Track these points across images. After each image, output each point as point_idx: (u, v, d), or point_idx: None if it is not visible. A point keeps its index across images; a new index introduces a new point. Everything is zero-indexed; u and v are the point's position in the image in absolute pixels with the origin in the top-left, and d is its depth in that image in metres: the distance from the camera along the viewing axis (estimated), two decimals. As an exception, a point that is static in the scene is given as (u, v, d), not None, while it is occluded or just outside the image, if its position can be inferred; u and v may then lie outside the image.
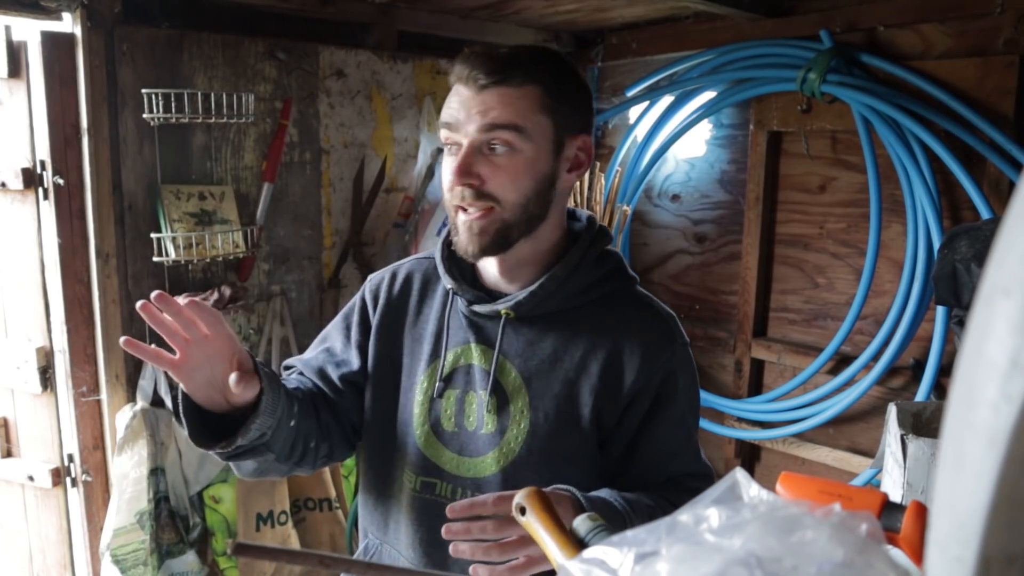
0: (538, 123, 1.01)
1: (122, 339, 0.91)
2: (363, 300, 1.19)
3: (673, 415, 1.06)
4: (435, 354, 1.11)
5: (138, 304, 0.90)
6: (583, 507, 0.89)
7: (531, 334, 1.08)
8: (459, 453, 1.09)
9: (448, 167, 1.03)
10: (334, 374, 1.15)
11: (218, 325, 0.91)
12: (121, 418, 1.80)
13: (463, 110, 1.00)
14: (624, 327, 1.06)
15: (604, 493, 0.98)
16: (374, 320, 1.16)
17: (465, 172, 1.00)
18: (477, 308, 1.09)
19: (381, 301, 1.17)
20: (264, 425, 0.95)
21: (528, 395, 1.06)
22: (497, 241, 1.03)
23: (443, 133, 1.04)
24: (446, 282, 1.11)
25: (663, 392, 1.05)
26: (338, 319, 1.21)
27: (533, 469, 1.05)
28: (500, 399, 1.07)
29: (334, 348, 1.18)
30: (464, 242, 1.04)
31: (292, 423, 1.02)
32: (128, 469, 1.77)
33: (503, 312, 1.07)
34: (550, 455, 1.05)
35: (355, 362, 1.16)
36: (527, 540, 0.82)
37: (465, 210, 1.02)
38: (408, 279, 1.18)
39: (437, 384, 1.10)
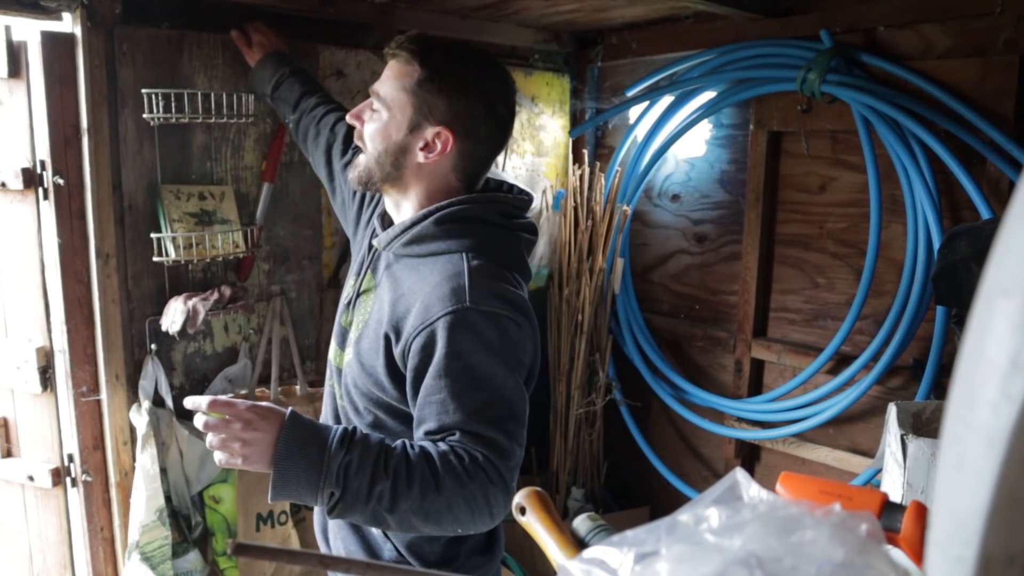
0: (398, 99, 1.23)
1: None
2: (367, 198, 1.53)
3: (441, 366, 1.12)
4: (360, 267, 1.39)
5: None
6: (288, 423, 1.07)
7: (389, 265, 1.30)
8: (339, 346, 1.37)
9: None
10: (338, 148, 1.62)
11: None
12: (137, 416, 1.80)
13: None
14: (429, 283, 1.20)
15: (336, 427, 1.11)
16: (367, 208, 1.51)
17: (354, 114, 1.29)
18: (372, 239, 1.36)
19: (377, 198, 1.47)
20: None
21: (368, 312, 1.29)
22: (361, 179, 1.29)
23: None
24: (374, 219, 1.41)
25: (429, 344, 1.14)
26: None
27: (351, 374, 1.29)
28: (359, 309, 1.33)
29: (354, 157, 1.47)
30: (350, 175, 1.33)
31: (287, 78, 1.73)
32: (148, 466, 1.78)
33: (375, 244, 1.33)
34: (362, 367, 1.26)
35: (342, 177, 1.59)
36: (224, 441, 1.05)
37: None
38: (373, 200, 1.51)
39: (351, 291, 1.38)
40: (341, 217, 1.64)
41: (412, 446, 1.12)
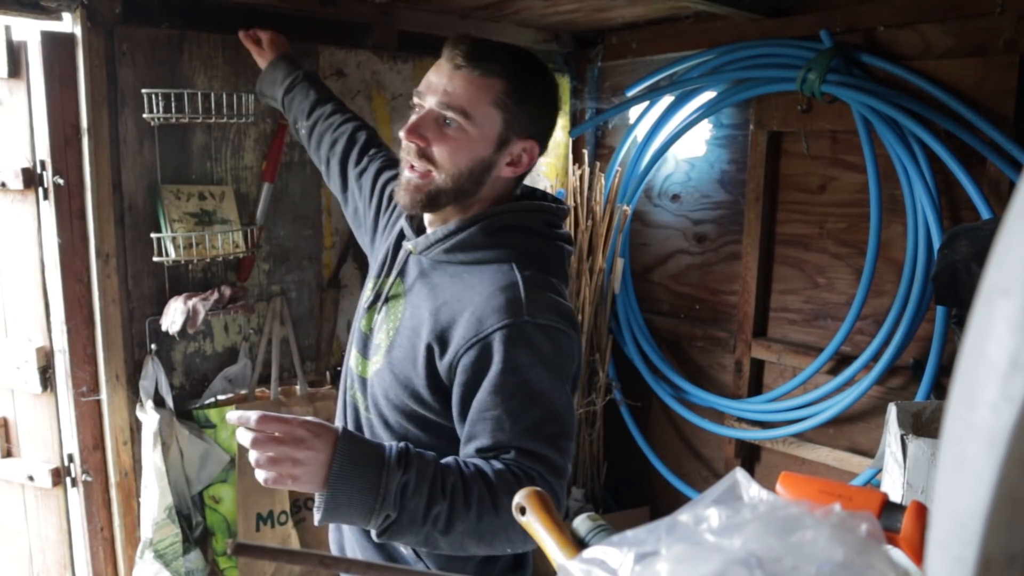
0: (488, 115, 1.14)
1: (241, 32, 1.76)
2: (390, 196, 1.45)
3: (497, 381, 1.07)
4: (380, 271, 1.32)
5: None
6: (343, 442, 1.00)
7: (424, 271, 1.23)
8: (361, 353, 1.29)
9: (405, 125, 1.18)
10: (355, 154, 1.55)
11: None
12: (143, 415, 1.81)
13: (435, 81, 1.15)
14: (479, 293, 1.13)
15: (389, 444, 1.04)
16: (384, 214, 1.44)
17: (414, 131, 1.15)
18: (404, 243, 1.27)
19: (387, 210, 1.43)
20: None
21: (400, 320, 1.22)
22: (425, 202, 1.18)
23: (414, 97, 1.18)
24: (402, 220, 1.31)
25: (484, 357, 1.09)
26: (383, 170, 1.50)
27: (381, 386, 1.21)
28: (388, 316, 1.24)
29: (370, 165, 1.52)
30: (400, 195, 1.20)
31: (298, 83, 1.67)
32: (159, 464, 1.79)
33: (409, 248, 1.25)
34: (395, 378, 1.19)
35: (367, 183, 1.49)
36: (275, 461, 0.97)
37: (412, 168, 1.17)
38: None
39: (371, 296, 1.31)
40: (354, 225, 1.57)
41: (466, 464, 1.06)
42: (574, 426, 1.15)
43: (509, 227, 1.19)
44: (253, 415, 0.97)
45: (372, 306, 1.30)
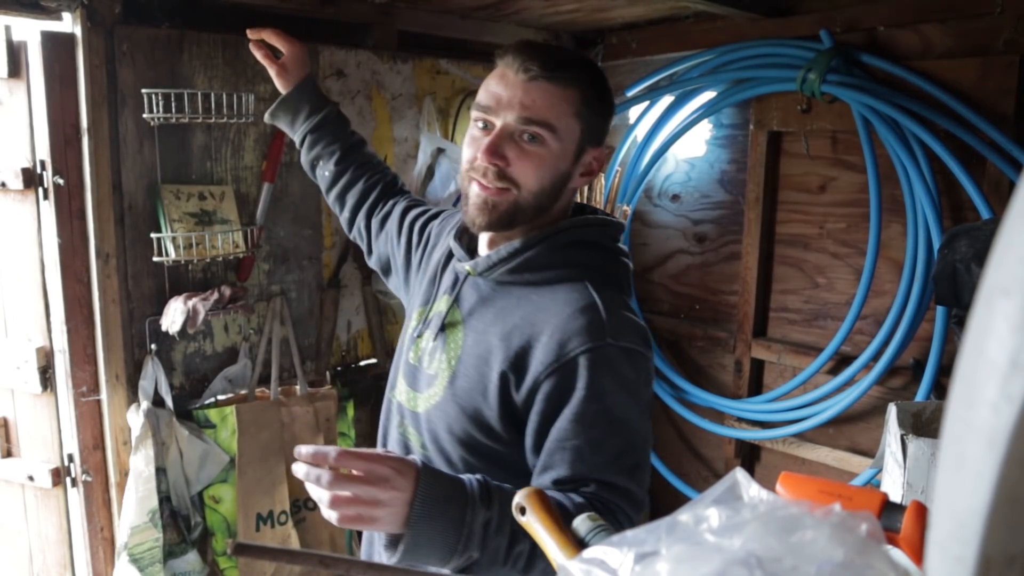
0: (569, 126, 1.07)
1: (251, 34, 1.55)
2: (427, 223, 1.39)
3: (579, 410, 1.02)
4: (427, 298, 1.25)
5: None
6: (425, 477, 0.93)
7: (485, 295, 1.15)
8: (410, 386, 1.21)
9: (475, 142, 1.09)
10: (381, 202, 1.48)
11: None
12: (134, 417, 1.80)
13: (505, 95, 1.06)
14: (555, 314, 1.07)
15: (467, 477, 0.98)
16: (429, 243, 1.36)
17: (493, 152, 1.06)
18: (457, 264, 1.20)
19: (428, 236, 1.36)
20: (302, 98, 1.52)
21: (462, 348, 1.13)
22: (504, 220, 1.10)
23: (477, 112, 1.09)
24: (450, 240, 1.23)
25: (567, 382, 1.03)
26: (409, 209, 1.45)
27: (443, 419, 1.13)
28: (444, 345, 1.16)
29: (393, 208, 1.46)
30: (473, 214, 1.11)
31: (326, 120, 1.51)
32: (142, 467, 1.78)
33: (467, 269, 1.16)
34: (461, 411, 1.11)
35: (393, 226, 1.43)
36: (355, 502, 0.89)
37: (484, 187, 1.09)
38: (452, 224, 1.32)
39: (419, 324, 1.23)
40: (382, 270, 1.49)
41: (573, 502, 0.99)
42: (650, 455, 1.10)
43: (576, 243, 1.13)
44: (332, 451, 0.90)
45: (420, 336, 1.22)
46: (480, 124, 1.09)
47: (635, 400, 1.06)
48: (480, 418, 1.09)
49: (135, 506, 1.77)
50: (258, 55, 1.56)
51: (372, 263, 1.52)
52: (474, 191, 1.10)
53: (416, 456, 1.10)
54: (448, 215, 1.39)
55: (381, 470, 0.90)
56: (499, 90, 1.07)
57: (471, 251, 1.21)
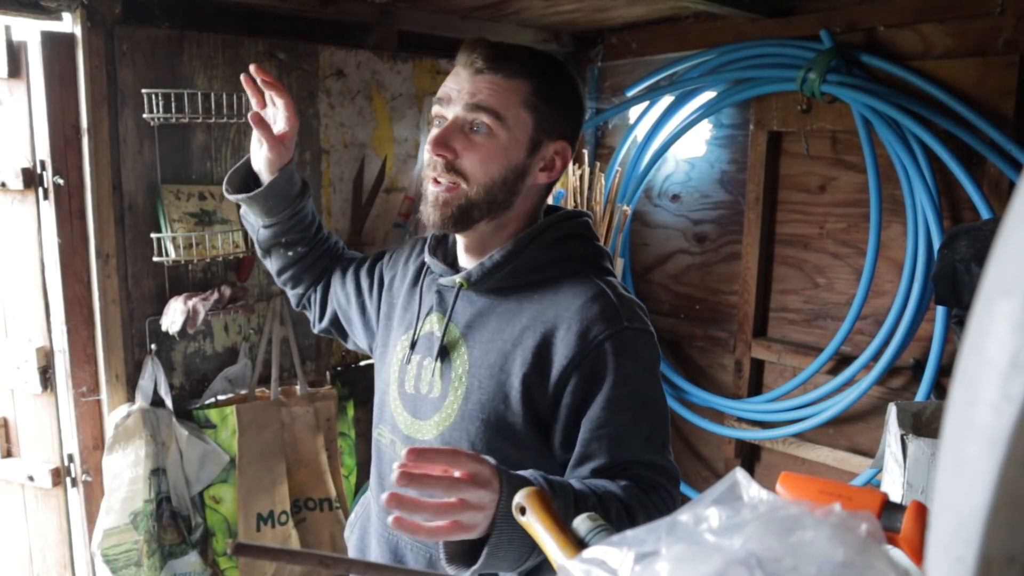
0: (519, 116, 1.07)
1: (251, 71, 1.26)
2: (373, 265, 1.38)
3: (610, 396, 1.02)
4: (409, 324, 1.21)
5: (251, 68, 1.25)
6: (505, 479, 0.86)
7: (482, 305, 1.13)
8: (412, 415, 1.17)
9: (428, 138, 1.10)
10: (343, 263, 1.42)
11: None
12: (111, 418, 1.79)
13: (455, 89, 1.08)
14: (566, 307, 1.07)
15: (530, 473, 0.93)
16: (384, 280, 1.33)
17: (441, 143, 1.07)
18: (441, 280, 1.17)
19: (389, 270, 1.34)
20: (276, 185, 1.29)
21: (468, 363, 1.11)
22: (457, 216, 1.09)
23: (434, 108, 1.11)
24: (425, 256, 1.21)
25: (595, 371, 1.03)
26: (349, 264, 1.43)
27: (464, 437, 1.10)
28: (445, 365, 1.13)
29: (347, 268, 1.42)
30: (428, 212, 1.11)
31: (295, 209, 1.33)
32: (121, 469, 1.76)
33: (458, 282, 1.13)
34: (483, 424, 1.08)
35: (350, 282, 1.39)
36: (467, 505, 0.82)
37: (436, 182, 1.09)
38: (408, 252, 1.33)
39: (407, 352, 1.19)
40: (337, 332, 1.44)
41: (594, 486, 0.97)
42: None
43: (567, 237, 1.14)
44: (432, 452, 0.82)
45: (410, 363, 1.18)
46: (436, 122, 1.11)
47: (655, 378, 1.09)
48: (505, 426, 1.07)
49: (115, 508, 1.75)
50: (253, 101, 1.30)
51: (321, 328, 1.46)
52: (428, 189, 1.11)
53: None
54: (396, 249, 1.38)
55: (484, 471, 0.83)
56: (451, 85, 1.09)
57: (451, 265, 1.20)
